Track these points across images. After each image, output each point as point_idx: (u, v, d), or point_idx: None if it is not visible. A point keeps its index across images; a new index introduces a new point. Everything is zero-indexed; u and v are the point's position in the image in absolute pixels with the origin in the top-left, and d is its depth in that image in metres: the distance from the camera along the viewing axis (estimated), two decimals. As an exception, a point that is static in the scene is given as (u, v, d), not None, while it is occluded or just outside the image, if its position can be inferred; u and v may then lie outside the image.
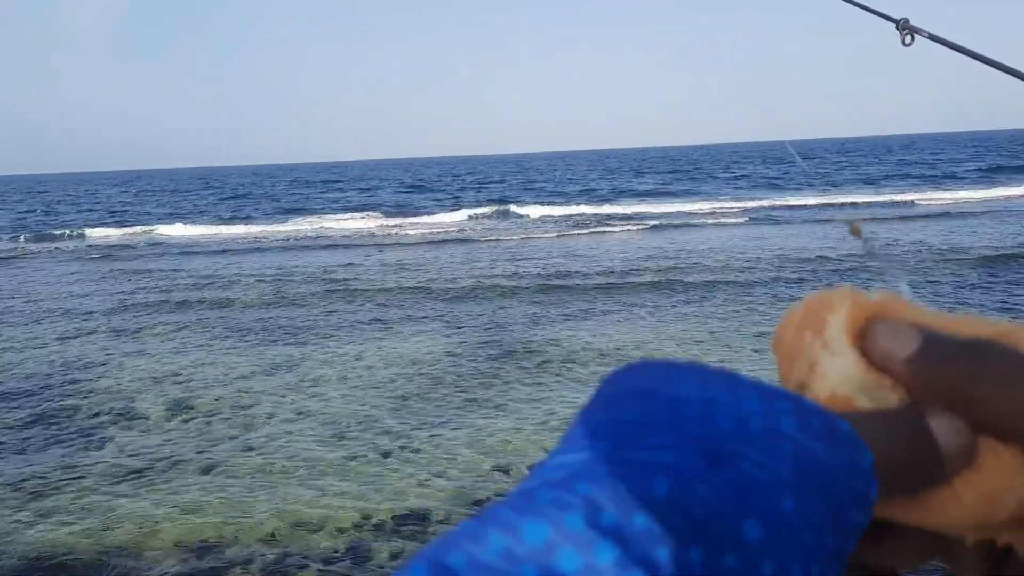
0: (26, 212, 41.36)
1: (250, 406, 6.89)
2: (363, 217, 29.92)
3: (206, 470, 5.56)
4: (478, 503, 4.86)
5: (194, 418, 6.68)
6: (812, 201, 27.13)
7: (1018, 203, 23.29)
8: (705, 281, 11.84)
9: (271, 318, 10.70)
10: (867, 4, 2.25)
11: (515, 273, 13.74)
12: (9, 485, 5.45)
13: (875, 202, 25.76)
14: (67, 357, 8.97)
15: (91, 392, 7.55)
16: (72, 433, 6.47)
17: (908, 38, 2.03)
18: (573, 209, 28.84)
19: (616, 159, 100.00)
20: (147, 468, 5.64)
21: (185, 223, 28.56)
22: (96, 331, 10.34)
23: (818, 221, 20.66)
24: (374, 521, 4.70)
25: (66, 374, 8.23)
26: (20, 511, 5.04)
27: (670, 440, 0.25)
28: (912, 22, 2.03)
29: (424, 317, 10.30)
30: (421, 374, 7.60)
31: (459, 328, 9.53)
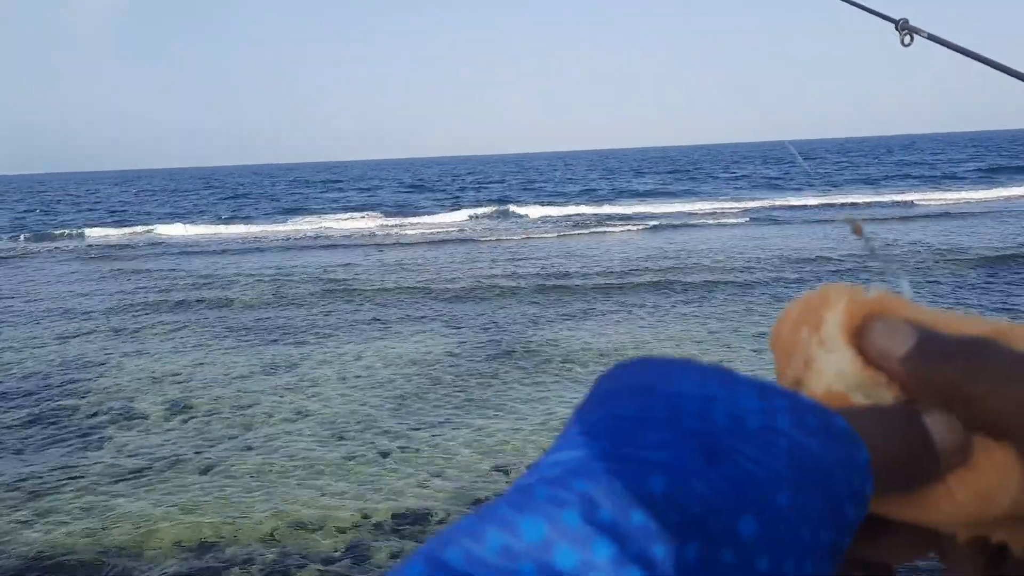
0: (25, 212, 41.33)
1: (249, 406, 6.88)
2: (363, 217, 29.91)
3: (205, 470, 5.56)
4: (477, 503, 4.86)
5: (193, 418, 6.68)
6: (812, 201, 27.15)
7: (1018, 203, 23.29)
8: (705, 281, 11.84)
9: (270, 318, 10.70)
10: (867, 4, 2.25)
11: (515, 273, 13.74)
12: (8, 485, 5.45)
13: (875, 202, 25.75)
14: (66, 357, 8.97)
15: (90, 392, 7.54)
16: (71, 433, 6.46)
17: (908, 38, 2.03)
18: (573, 209, 28.84)
19: (616, 159, 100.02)
20: (146, 468, 5.64)
21: (185, 223, 28.54)
22: (95, 331, 10.34)
23: (818, 221, 20.66)
24: (373, 521, 4.70)
25: (65, 374, 8.22)
26: (19, 511, 5.04)
27: (668, 437, 0.26)
28: (912, 22, 2.03)
29: (423, 317, 10.30)
30: (420, 374, 7.60)
31: (458, 328, 9.53)
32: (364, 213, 31.34)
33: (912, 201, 25.82)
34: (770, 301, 10.30)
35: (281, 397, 7.09)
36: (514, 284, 12.44)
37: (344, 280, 13.66)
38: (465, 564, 0.22)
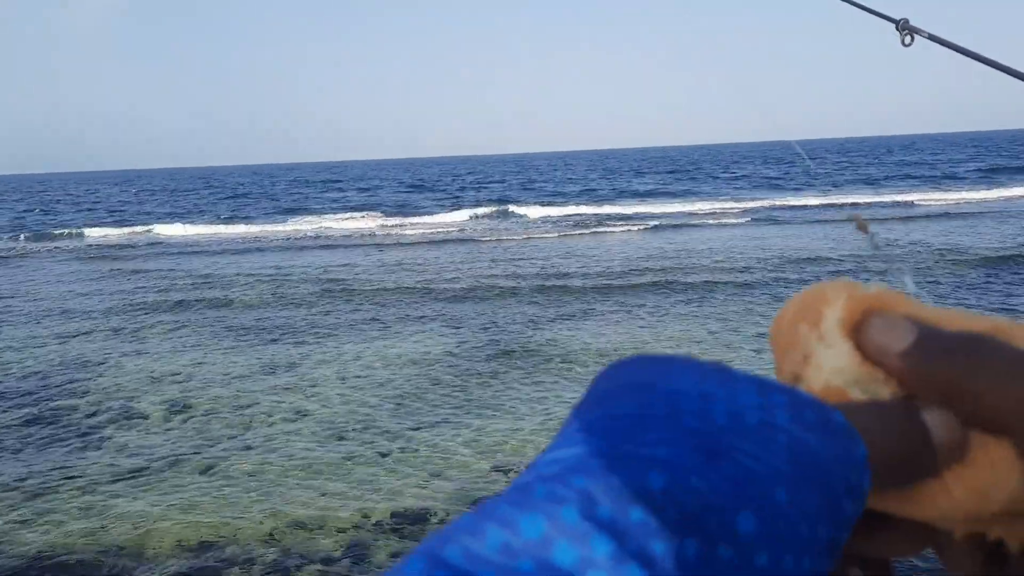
0: (25, 211, 41.34)
1: (248, 406, 6.88)
2: (363, 217, 29.92)
3: (204, 470, 5.56)
4: (476, 503, 4.86)
5: (192, 418, 6.68)
6: (812, 201, 27.16)
7: (1018, 203, 23.30)
8: (705, 282, 11.85)
9: (270, 318, 10.70)
10: (867, 4, 2.25)
11: (514, 273, 13.74)
12: (7, 485, 5.45)
13: (875, 202, 25.76)
14: (65, 356, 8.96)
15: (89, 392, 7.54)
16: (70, 433, 6.46)
17: (908, 38, 2.03)
18: (573, 209, 28.85)
19: (616, 159, 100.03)
20: (145, 468, 5.64)
21: (184, 223, 28.54)
22: (95, 331, 10.34)
23: (819, 221, 20.67)
24: (372, 521, 4.70)
25: (64, 373, 8.22)
26: (18, 510, 5.04)
27: (667, 434, 0.26)
28: (912, 22, 2.03)
29: (423, 317, 10.30)
30: (419, 374, 7.60)
31: (458, 328, 9.54)
32: (364, 213, 31.35)
33: (912, 201, 25.83)
34: (770, 301, 10.30)
35: (280, 397, 7.09)
36: (514, 284, 12.44)
37: (344, 280, 13.66)
38: (465, 561, 0.22)
